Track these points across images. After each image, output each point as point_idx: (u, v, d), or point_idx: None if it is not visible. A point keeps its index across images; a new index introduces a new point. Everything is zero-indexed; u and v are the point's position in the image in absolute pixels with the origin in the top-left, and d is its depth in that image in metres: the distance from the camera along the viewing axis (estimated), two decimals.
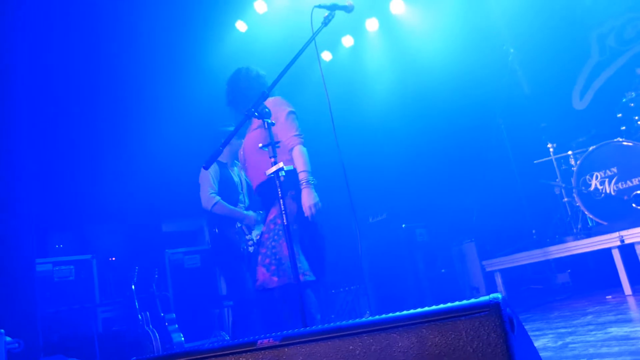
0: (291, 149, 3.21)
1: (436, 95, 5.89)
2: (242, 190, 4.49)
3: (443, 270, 5.16)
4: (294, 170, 3.15)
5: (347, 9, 2.85)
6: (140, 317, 4.68)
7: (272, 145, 2.36)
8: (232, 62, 5.91)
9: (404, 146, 6.02)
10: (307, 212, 3.04)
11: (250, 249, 4.25)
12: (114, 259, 5.51)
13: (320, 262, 3.08)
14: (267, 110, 2.37)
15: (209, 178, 4.36)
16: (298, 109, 5.61)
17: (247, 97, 3.37)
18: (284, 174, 2.38)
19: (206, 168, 2.32)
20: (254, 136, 3.35)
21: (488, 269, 4.86)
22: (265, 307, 3.52)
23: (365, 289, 5.25)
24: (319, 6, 2.78)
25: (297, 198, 3.11)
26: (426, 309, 0.99)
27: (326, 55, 6.41)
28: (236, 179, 4.50)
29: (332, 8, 2.78)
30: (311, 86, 5.73)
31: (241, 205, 4.43)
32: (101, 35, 5.38)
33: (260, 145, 2.61)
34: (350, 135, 6.10)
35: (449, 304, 0.96)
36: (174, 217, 6.54)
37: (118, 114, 5.81)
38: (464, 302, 0.95)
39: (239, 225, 4.30)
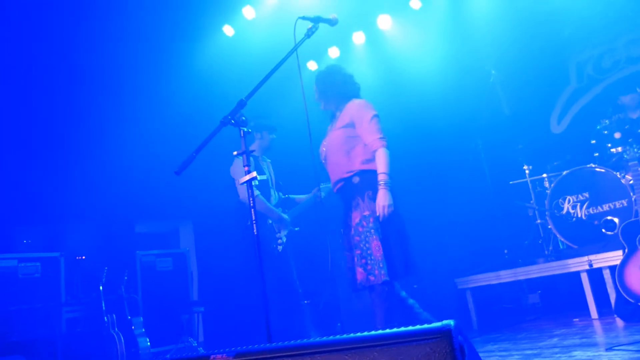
0: (375, 151, 3.31)
1: (418, 111, 5.94)
2: (272, 185, 4.42)
3: (415, 286, 5.17)
4: (374, 171, 3.27)
5: (331, 22, 2.87)
6: (106, 320, 4.59)
7: (246, 153, 2.34)
8: (217, 65, 5.92)
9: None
10: (378, 211, 3.16)
11: (279, 247, 4.26)
12: (83, 257, 5.40)
13: (405, 260, 3.19)
14: (243, 118, 2.35)
15: (243, 171, 4.33)
16: (281, 115, 5.64)
17: (339, 94, 3.49)
18: (257, 183, 2.36)
19: (178, 173, 2.28)
20: (336, 135, 3.41)
21: (460, 287, 4.89)
22: (359, 305, 3.66)
23: (337, 301, 5.23)
24: (303, 18, 2.79)
25: (375, 198, 3.25)
26: (379, 332, 0.98)
27: (312, 65, 6.42)
28: (267, 173, 4.42)
29: (316, 20, 2.79)
30: (297, 93, 5.72)
31: (273, 199, 4.38)
32: (82, 30, 5.31)
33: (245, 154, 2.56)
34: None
35: (402, 329, 0.96)
36: (148, 217, 6.46)
37: (95, 109, 5.73)
38: (417, 327, 0.95)
39: (270, 222, 4.27)
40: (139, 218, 6.30)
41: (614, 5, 5.12)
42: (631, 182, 4.38)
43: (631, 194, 4.28)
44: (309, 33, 2.76)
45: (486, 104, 5.46)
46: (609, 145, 4.69)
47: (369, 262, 3.15)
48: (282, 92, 5.28)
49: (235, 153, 2.37)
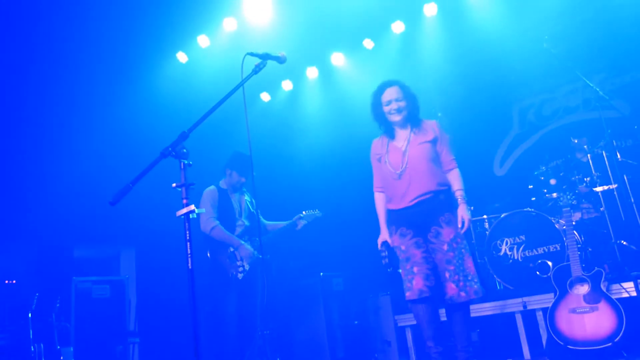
0: (449, 170, 3.54)
1: (367, 146, 6.04)
2: (240, 215, 4.55)
3: (356, 322, 5.17)
4: (449, 190, 3.48)
5: (280, 60, 2.90)
6: (32, 349, 4.36)
7: (185, 186, 2.31)
8: (168, 91, 5.88)
9: (331, 192, 6.10)
10: (464, 224, 3.37)
11: (240, 275, 4.35)
12: (13, 282, 5.14)
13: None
14: (184, 150, 2.32)
15: (208, 203, 4.48)
16: (231, 142, 5.59)
17: (419, 109, 3.63)
18: (195, 216, 2.32)
19: (112, 204, 2.22)
20: (424, 148, 3.49)
21: (400, 324, 4.92)
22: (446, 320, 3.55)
23: (277, 335, 5.17)
24: (252, 54, 2.82)
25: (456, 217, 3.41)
26: None
27: (265, 96, 6.47)
28: (236, 205, 4.58)
29: (265, 57, 2.82)
30: (250, 120, 5.74)
31: (239, 228, 4.51)
32: (34, 50, 5.19)
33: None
34: (278, 175, 6.15)
35: None
36: (88, 241, 6.24)
37: (40, 127, 5.56)
38: None
39: (232, 250, 4.38)
40: (79, 242, 6.08)
41: (555, 57, 5.42)
42: (564, 227, 4.58)
43: (564, 238, 4.46)
44: (256, 69, 2.78)
45: None
46: (545, 190, 4.89)
47: (461, 278, 3.26)
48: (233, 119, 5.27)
49: (174, 185, 2.34)
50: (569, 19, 5.51)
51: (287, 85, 6.34)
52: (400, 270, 3.48)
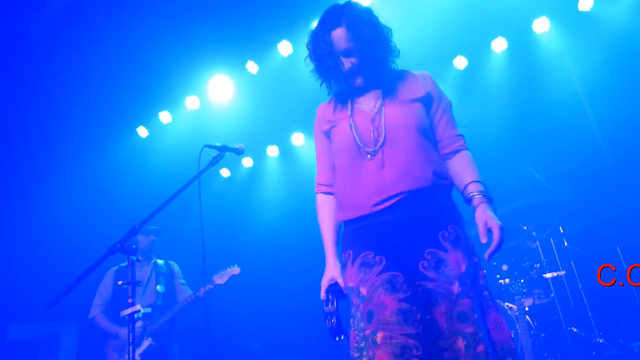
0: (454, 152, 2.10)
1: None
2: (144, 292, 4.27)
3: None
4: (451, 185, 2.06)
5: (237, 152, 2.93)
6: None
7: (131, 284, 2.24)
8: (125, 165, 5.82)
9: (283, 273, 6.02)
10: (492, 237, 1.85)
11: None
12: None
13: None
14: (134, 247, 2.26)
15: (100, 288, 4.33)
16: (186, 219, 5.51)
17: (389, 58, 2.34)
18: (140, 315, 2.24)
19: (49, 306, 2.11)
20: (402, 113, 2.06)
21: None
22: None
23: None
24: (209, 146, 2.82)
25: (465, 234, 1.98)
26: None
27: (224, 172, 6.48)
28: (139, 277, 4.29)
29: (223, 150, 2.84)
30: (209, 197, 5.73)
31: (139, 305, 4.12)
32: None
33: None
34: (233, 249, 6.06)
35: None
36: (24, 319, 5.86)
37: None
38: None
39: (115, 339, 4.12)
40: (14, 320, 5.70)
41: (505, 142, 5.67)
42: (517, 313, 4.63)
43: (517, 325, 4.50)
44: (214, 161, 2.79)
45: None
46: (498, 276, 4.98)
47: (489, 351, 1.75)
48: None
49: (120, 283, 2.26)
50: (517, 108, 5.81)
51: (247, 162, 6.39)
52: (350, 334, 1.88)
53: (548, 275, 4.92)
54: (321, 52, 2.12)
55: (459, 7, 4.66)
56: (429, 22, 4.73)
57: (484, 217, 1.91)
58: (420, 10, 4.71)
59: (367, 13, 2.12)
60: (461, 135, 2.15)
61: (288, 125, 6.08)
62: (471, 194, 1.99)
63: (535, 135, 5.83)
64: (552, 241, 5.00)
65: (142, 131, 5.91)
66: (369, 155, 2.01)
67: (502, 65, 5.35)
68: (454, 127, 2.14)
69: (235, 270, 4.29)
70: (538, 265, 4.95)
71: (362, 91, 2.17)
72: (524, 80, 5.47)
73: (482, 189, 1.98)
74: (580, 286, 4.97)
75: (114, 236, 2.29)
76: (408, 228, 1.91)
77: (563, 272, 4.93)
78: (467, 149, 2.13)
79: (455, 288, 1.80)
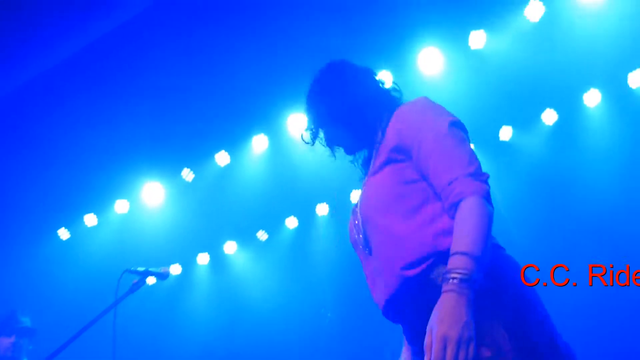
0: (451, 209, 1.42)
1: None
2: None
3: None
4: (418, 276, 1.43)
5: (161, 277, 2.78)
6: None
7: None
8: (44, 269, 5.42)
9: None
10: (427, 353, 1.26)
11: None
12: None
13: None
14: None
15: None
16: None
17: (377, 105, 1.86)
18: None
19: None
20: (369, 191, 1.63)
21: None
22: None
23: None
24: (130, 271, 2.66)
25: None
26: None
27: (150, 280, 6.14)
28: None
29: (144, 275, 2.68)
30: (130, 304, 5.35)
31: None
32: None
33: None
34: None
35: None
36: None
37: None
38: None
39: None
40: None
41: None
42: None
43: None
44: (134, 288, 2.62)
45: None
46: None
47: None
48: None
49: None
50: None
51: (175, 269, 6.11)
52: None
53: None
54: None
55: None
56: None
57: (431, 321, 1.28)
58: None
59: (316, 81, 1.78)
60: (456, 178, 1.41)
61: (220, 233, 5.95)
62: (442, 276, 1.35)
63: None
64: None
65: (63, 233, 5.59)
66: (360, 247, 1.66)
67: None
68: (445, 170, 1.44)
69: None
70: None
71: (363, 165, 1.82)
72: None
73: (457, 266, 1.30)
74: None
75: None
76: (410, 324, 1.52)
77: None
78: (467, 196, 1.38)
79: None
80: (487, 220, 1.35)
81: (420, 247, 1.43)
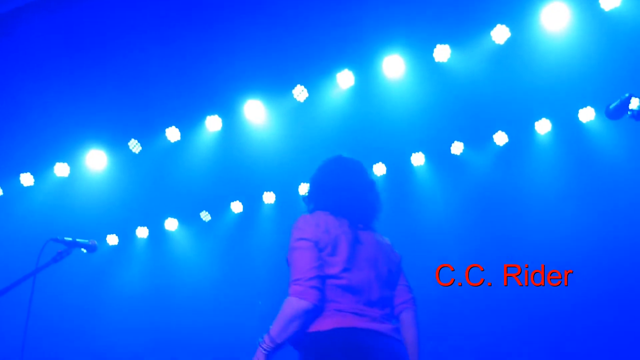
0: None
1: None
2: None
3: None
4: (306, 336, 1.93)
5: (90, 249, 2.68)
6: None
7: None
8: None
9: None
10: None
11: None
12: None
13: None
14: None
15: None
16: None
17: None
18: None
19: None
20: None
21: None
22: None
23: None
24: (56, 240, 2.55)
25: None
26: None
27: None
28: None
29: (71, 245, 2.57)
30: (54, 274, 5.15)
31: None
32: None
33: None
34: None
35: None
36: None
37: None
38: None
39: None
40: None
41: None
42: None
43: None
44: (58, 258, 2.51)
45: None
46: None
47: None
48: None
49: None
50: None
51: (112, 239, 5.93)
52: None
53: None
54: None
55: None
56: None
57: None
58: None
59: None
60: (294, 281, 1.96)
61: (163, 209, 5.82)
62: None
63: None
64: None
65: None
66: None
67: None
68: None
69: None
70: None
71: None
72: None
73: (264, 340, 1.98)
74: None
75: None
76: None
77: None
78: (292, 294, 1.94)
79: None
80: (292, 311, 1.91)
81: None
